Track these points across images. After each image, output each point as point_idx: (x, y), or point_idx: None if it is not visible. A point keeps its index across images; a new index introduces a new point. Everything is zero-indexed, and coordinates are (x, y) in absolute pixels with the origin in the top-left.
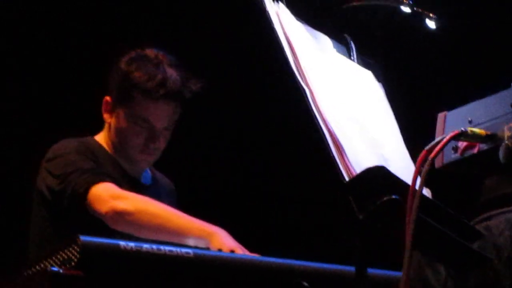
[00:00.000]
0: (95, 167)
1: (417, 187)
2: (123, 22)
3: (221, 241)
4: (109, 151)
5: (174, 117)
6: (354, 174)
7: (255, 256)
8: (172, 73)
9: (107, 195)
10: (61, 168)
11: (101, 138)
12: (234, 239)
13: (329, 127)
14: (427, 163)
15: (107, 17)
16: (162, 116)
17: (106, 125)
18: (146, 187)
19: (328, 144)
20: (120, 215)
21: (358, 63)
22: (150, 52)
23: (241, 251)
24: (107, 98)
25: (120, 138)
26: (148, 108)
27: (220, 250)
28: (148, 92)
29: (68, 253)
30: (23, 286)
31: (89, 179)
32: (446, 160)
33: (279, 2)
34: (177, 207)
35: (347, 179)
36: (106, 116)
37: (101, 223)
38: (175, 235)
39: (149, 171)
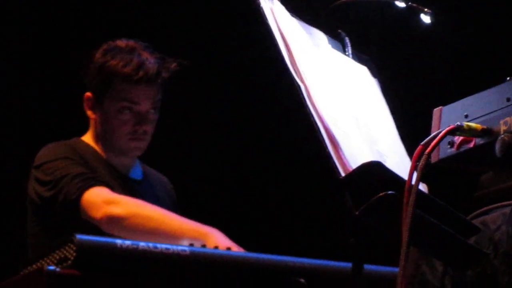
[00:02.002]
0: (84, 171)
1: (413, 182)
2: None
3: (217, 241)
4: (97, 149)
5: (157, 98)
6: (350, 170)
7: (250, 253)
8: (147, 56)
9: (100, 201)
10: (50, 175)
11: (87, 138)
12: (229, 238)
13: (325, 123)
14: (423, 158)
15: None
16: (145, 98)
17: (92, 123)
18: (137, 182)
19: (324, 140)
20: (114, 220)
21: (353, 58)
22: (121, 42)
23: (236, 249)
24: (87, 94)
25: (107, 131)
26: (130, 93)
27: (216, 247)
28: (127, 77)
29: (65, 252)
30: (20, 285)
31: (80, 184)
32: (442, 155)
33: None
34: (176, 203)
35: (343, 175)
36: (89, 113)
37: (93, 227)
38: (170, 237)
39: (139, 167)
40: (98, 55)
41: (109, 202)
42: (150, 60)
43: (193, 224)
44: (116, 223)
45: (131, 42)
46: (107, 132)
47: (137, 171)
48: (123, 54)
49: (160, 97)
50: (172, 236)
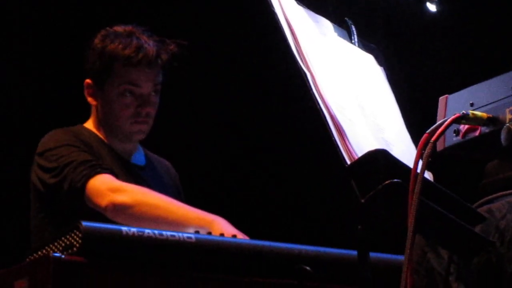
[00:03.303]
0: (89, 158)
1: (419, 170)
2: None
3: (222, 229)
4: (100, 136)
5: (157, 81)
6: (356, 157)
7: (256, 240)
8: (145, 39)
9: (105, 188)
10: (54, 162)
11: (90, 124)
12: (234, 226)
13: (331, 111)
14: (429, 146)
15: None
16: (146, 81)
17: (93, 110)
18: (141, 167)
19: (330, 128)
20: (119, 208)
21: (359, 47)
22: (119, 27)
23: (242, 237)
24: (87, 81)
25: (110, 116)
26: (131, 75)
27: (222, 235)
28: (127, 60)
29: (70, 238)
30: (26, 272)
31: (85, 172)
32: (448, 143)
33: None
34: (180, 188)
35: (348, 162)
36: (90, 99)
37: (98, 214)
38: (175, 226)
39: (142, 152)
40: (96, 40)
41: (114, 190)
42: (149, 43)
43: (198, 212)
44: (122, 211)
45: (128, 27)
46: (109, 117)
47: (140, 157)
48: (121, 38)
49: (161, 79)
50: (178, 224)
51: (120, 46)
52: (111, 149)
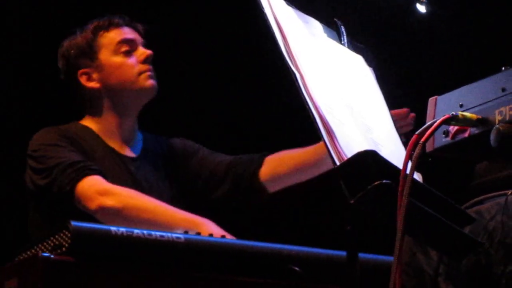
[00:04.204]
0: (76, 159)
1: (408, 171)
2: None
3: (210, 230)
4: (95, 130)
5: (143, 41)
6: (345, 158)
7: (245, 241)
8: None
9: (94, 192)
10: (43, 163)
11: (85, 120)
12: (222, 228)
13: (320, 111)
14: (418, 147)
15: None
16: (133, 34)
17: (90, 103)
18: (134, 159)
19: (319, 129)
20: (108, 212)
21: (349, 47)
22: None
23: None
24: (80, 71)
25: (118, 83)
26: (117, 33)
27: (211, 235)
28: (109, 25)
29: (59, 238)
30: (15, 271)
31: (73, 175)
32: (437, 144)
33: None
34: (179, 151)
35: (338, 163)
36: (89, 84)
37: (90, 214)
38: (164, 228)
39: (141, 140)
40: (77, 33)
41: (102, 193)
42: (123, 16)
43: (186, 215)
44: (110, 215)
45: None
46: (119, 85)
47: (136, 147)
48: (95, 20)
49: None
50: (166, 226)
51: (97, 22)
52: (104, 143)
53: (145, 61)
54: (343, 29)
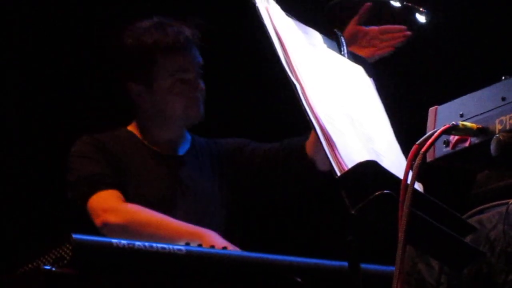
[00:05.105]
0: (94, 171)
1: (409, 181)
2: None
3: (212, 242)
4: (138, 136)
5: (200, 62)
6: (346, 168)
7: (247, 252)
8: (174, 24)
9: (100, 209)
10: (69, 175)
11: (131, 125)
12: (224, 239)
13: (320, 122)
14: (419, 157)
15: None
16: (190, 65)
17: (137, 110)
18: (179, 158)
19: (320, 139)
20: (112, 228)
21: (349, 58)
22: (146, 22)
23: (232, 249)
24: (129, 84)
25: (161, 108)
26: (175, 62)
27: (212, 247)
28: (171, 47)
29: (61, 251)
30: (17, 284)
31: (85, 189)
32: (438, 154)
33: None
34: (227, 151)
35: (338, 174)
36: (137, 99)
37: None
38: (167, 240)
39: (189, 141)
40: (126, 39)
41: (106, 210)
42: (182, 26)
43: (188, 226)
44: (114, 231)
45: (156, 20)
46: (161, 111)
47: (183, 147)
48: (151, 30)
49: (201, 60)
50: (169, 238)
51: (159, 37)
52: (146, 147)
53: (198, 93)
54: (343, 39)
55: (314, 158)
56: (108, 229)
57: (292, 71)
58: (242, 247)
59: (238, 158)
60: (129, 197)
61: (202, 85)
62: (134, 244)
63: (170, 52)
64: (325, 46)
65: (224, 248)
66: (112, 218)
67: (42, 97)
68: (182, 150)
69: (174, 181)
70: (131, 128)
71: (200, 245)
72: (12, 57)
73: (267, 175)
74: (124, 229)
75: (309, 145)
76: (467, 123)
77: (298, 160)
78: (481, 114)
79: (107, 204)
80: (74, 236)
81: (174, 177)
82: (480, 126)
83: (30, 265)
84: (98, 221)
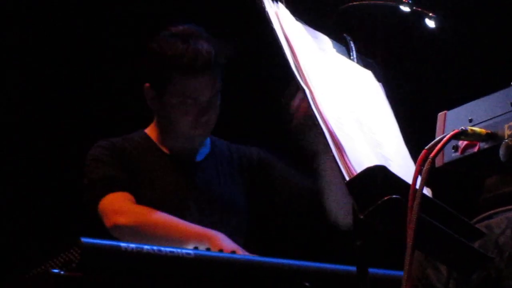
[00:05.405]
0: (110, 175)
1: (417, 186)
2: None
3: (221, 244)
4: (154, 140)
5: (216, 85)
6: (355, 173)
7: (255, 256)
8: (202, 44)
9: (110, 211)
10: (84, 179)
11: (149, 128)
12: (233, 241)
13: (329, 126)
14: (428, 162)
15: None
16: (204, 88)
17: (155, 115)
18: (197, 163)
19: (329, 144)
20: (122, 229)
21: (358, 63)
22: (176, 29)
23: (241, 253)
24: (147, 85)
25: (168, 121)
26: (189, 84)
27: (221, 250)
28: (184, 69)
29: (70, 254)
30: (25, 286)
31: (97, 192)
32: (447, 159)
33: (279, 2)
34: (257, 161)
35: (347, 178)
36: (150, 103)
37: None
38: (176, 242)
39: (208, 146)
40: (154, 45)
41: (117, 212)
42: (206, 48)
43: (197, 228)
44: (124, 233)
45: (186, 29)
46: (169, 123)
47: (202, 152)
48: (178, 44)
49: (220, 82)
50: (179, 240)
51: (177, 54)
52: (161, 151)
53: (206, 116)
54: (352, 44)
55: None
56: (118, 230)
57: (302, 76)
58: (251, 251)
59: (262, 177)
60: (141, 201)
61: (214, 110)
62: (142, 248)
63: (185, 72)
64: (334, 51)
65: (233, 251)
66: (122, 220)
67: (60, 101)
68: (200, 155)
69: (188, 187)
70: (149, 130)
71: (208, 249)
72: (24, 59)
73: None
74: (134, 231)
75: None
76: (476, 128)
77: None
78: (490, 119)
79: (118, 206)
80: (83, 239)
81: (189, 182)
82: (489, 132)
83: (38, 269)
84: (108, 223)
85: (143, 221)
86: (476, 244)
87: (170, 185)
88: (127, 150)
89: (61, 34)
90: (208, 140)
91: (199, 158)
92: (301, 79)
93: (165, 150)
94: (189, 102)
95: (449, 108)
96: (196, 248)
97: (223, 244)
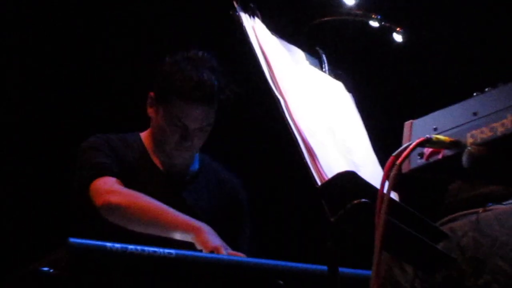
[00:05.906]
0: (104, 161)
1: (385, 191)
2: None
3: (206, 236)
4: (146, 146)
5: (208, 118)
6: (326, 179)
7: (233, 256)
8: (209, 77)
9: (104, 190)
10: (76, 164)
11: (145, 135)
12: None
13: (303, 134)
14: (395, 168)
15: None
16: (196, 117)
17: (151, 120)
18: (183, 182)
19: (302, 151)
20: (113, 208)
21: (330, 74)
22: (194, 54)
23: (223, 248)
24: (151, 94)
25: (158, 133)
26: (183, 110)
27: (201, 250)
28: (183, 95)
29: (58, 254)
30: (14, 286)
31: (92, 172)
32: (413, 165)
33: (255, 17)
34: (239, 206)
35: (319, 183)
36: (149, 110)
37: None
38: (164, 229)
39: (197, 165)
40: (166, 64)
41: (110, 192)
42: (210, 82)
43: (186, 219)
44: (114, 211)
45: (202, 57)
46: (158, 134)
47: (192, 168)
48: (187, 70)
49: (212, 120)
50: (166, 228)
51: (182, 80)
52: (149, 159)
53: (187, 144)
54: (324, 57)
55: None
56: (109, 209)
57: (277, 86)
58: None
59: (230, 223)
60: None
61: (199, 138)
62: (127, 248)
63: (183, 98)
64: (307, 63)
65: (212, 252)
66: (114, 199)
67: (59, 100)
68: (188, 171)
69: (178, 206)
70: (144, 136)
71: (190, 249)
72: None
73: None
74: (124, 211)
75: None
76: (441, 137)
77: None
78: (454, 128)
79: (112, 186)
80: (70, 240)
81: (179, 201)
82: (453, 139)
83: (27, 267)
84: (99, 201)
85: (134, 202)
86: (440, 246)
87: (153, 196)
88: (120, 149)
89: (61, 34)
90: (196, 165)
91: (186, 173)
92: (276, 89)
93: (157, 163)
94: (178, 124)
95: (415, 117)
96: (182, 237)
97: (208, 237)
